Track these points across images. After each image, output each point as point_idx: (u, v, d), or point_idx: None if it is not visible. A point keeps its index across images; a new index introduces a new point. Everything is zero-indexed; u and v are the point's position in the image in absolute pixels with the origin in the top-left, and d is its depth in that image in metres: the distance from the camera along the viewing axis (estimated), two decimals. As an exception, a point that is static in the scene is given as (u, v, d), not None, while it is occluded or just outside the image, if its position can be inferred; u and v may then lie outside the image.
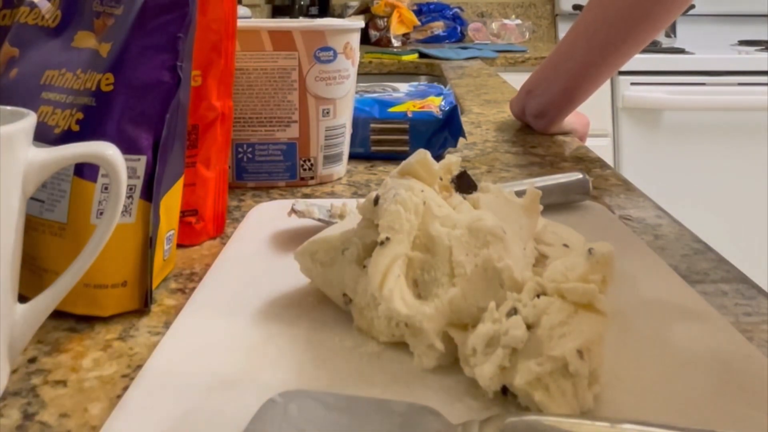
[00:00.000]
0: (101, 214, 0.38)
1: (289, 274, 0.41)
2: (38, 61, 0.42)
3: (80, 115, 0.38)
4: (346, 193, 0.64)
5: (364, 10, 2.46)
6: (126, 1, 0.40)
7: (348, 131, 0.68)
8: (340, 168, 0.68)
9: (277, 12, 2.63)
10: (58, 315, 0.38)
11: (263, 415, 0.27)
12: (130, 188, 0.38)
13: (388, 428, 0.27)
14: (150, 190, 0.39)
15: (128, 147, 0.38)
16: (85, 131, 0.38)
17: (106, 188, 0.38)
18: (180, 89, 0.40)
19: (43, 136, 0.38)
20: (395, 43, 2.39)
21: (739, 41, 2.51)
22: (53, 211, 0.38)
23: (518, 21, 2.72)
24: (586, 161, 0.76)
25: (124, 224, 0.38)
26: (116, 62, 0.39)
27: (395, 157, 0.75)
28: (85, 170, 0.38)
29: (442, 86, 0.96)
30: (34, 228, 0.38)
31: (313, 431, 0.27)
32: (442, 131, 0.74)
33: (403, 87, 0.93)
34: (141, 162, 0.39)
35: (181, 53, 0.40)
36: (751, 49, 2.32)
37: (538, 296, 0.30)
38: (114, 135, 0.38)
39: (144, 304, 0.40)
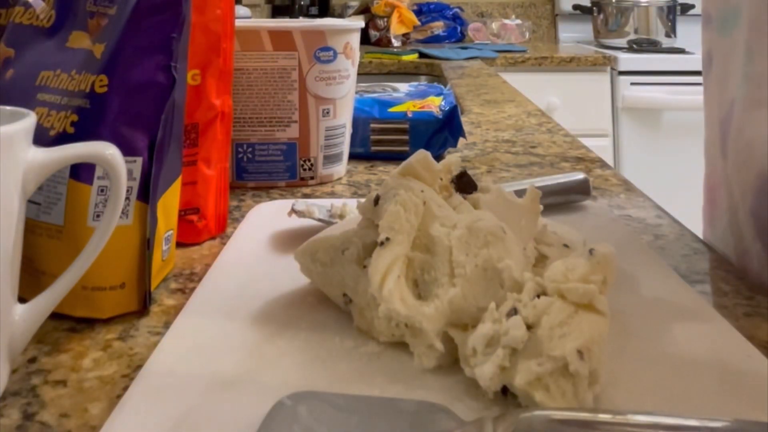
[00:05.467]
0: (98, 216, 0.38)
1: (289, 274, 0.41)
2: (33, 61, 0.42)
3: (75, 117, 0.38)
4: (346, 193, 0.64)
5: (364, 10, 2.46)
6: (119, 1, 0.40)
7: (348, 131, 0.68)
8: (340, 168, 0.68)
9: (277, 12, 2.63)
10: (58, 315, 0.38)
11: (273, 417, 0.27)
12: (127, 190, 0.38)
13: (399, 428, 0.27)
14: (146, 192, 0.39)
15: (124, 149, 0.38)
16: (80, 133, 0.38)
17: (102, 191, 0.38)
18: (175, 90, 0.40)
19: (39, 138, 0.38)
20: (395, 43, 2.39)
21: (739, 41, 2.50)
22: (50, 214, 0.38)
23: (518, 21, 2.72)
24: (586, 161, 0.76)
25: (122, 226, 0.38)
26: (110, 63, 0.39)
27: (395, 157, 0.75)
28: (81, 173, 0.38)
29: (442, 86, 0.96)
30: (31, 231, 0.38)
31: None
32: (442, 131, 0.74)
33: (403, 87, 0.93)
34: (137, 163, 0.39)
35: (175, 53, 0.40)
36: (751, 49, 2.32)
37: (538, 296, 0.30)
38: (109, 137, 0.37)
39: (143, 306, 0.40)
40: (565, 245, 0.38)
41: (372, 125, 0.75)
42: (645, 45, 2.42)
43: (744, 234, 0.49)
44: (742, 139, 0.48)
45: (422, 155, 0.37)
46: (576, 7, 2.69)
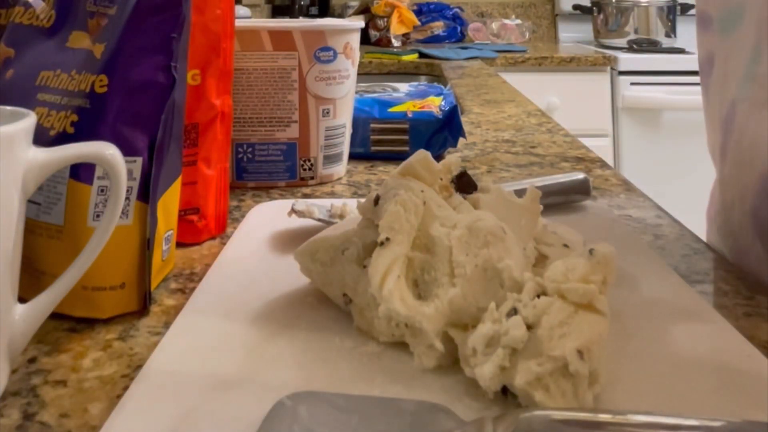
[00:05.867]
0: (98, 216, 0.38)
1: (289, 274, 0.41)
2: (33, 61, 0.42)
3: (75, 117, 0.38)
4: (346, 193, 0.64)
5: (364, 10, 2.46)
6: (119, 1, 0.40)
7: (348, 131, 0.68)
8: (340, 168, 0.68)
9: (277, 12, 2.63)
10: (58, 315, 0.38)
11: (273, 418, 0.27)
12: (127, 190, 0.38)
13: (399, 428, 0.27)
14: (146, 192, 0.39)
15: (124, 149, 0.38)
16: (80, 133, 0.38)
17: (102, 191, 0.38)
18: (175, 90, 0.40)
19: (39, 138, 0.38)
20: (395, 43, 2.39)
21: (738, 41, 2.50)
22: (50, 214, 0.38)
23: (518, 21, 2.72)
24: (586, 161, 0.76)
25: (121, 226, 0.38)
26: (110, 63, 0.39)
27: (395, 157, 0.75)
28: (80, 173, 0.38)
29: (442, 86, 0.96)
30: (31, 231, 0.38)
31: None
32: (442, 131, 0.74)
33: (403, 87, 0.93)
34: (137, 163, 0.39)
35: (175, 53, 0.40)
36: (751, 49, 2.32)
37: (538, 296, 0.30)
38: (109, 137, 0.37)
39: (143, 306, 0.40)
40: (565, 245, 0.38)
41: (372, 125, 0.75)
42: (645, 45, 2.42)
43: (740, 234, 0.49)
44: (745, 139, 0.48)
45: (422, 155, 0.37)
46: (576, 7, 2.69)
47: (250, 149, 0.64)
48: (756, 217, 0.47)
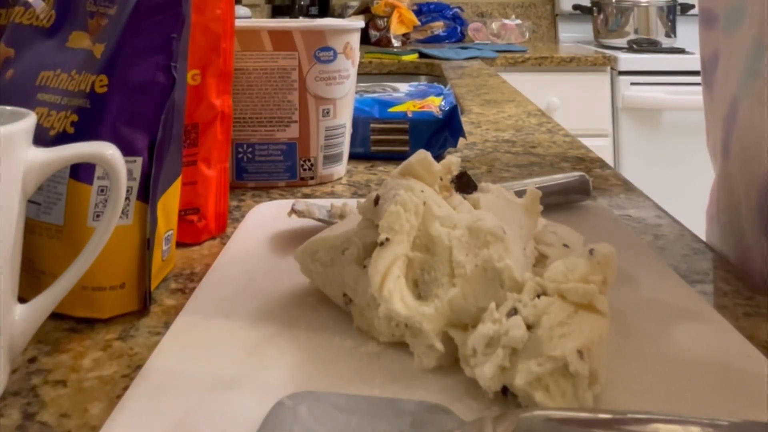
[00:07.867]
0: (98, 216, 0.38)
1: (289, 274, 0.41)
2: (33, 61, 0.42)
3: (75, 117, 0.38)
4: (346, 193, 0.64)
5: (364, 10, 2.46)
6: (119, 1, 0.40)
7: (348, 131, 0.68)
8: (340, 168, 0.68)
9: (277, 12, 2.63)
10: (58, 315, 0.38)
11: (273, 418, 0.27)
12: (127, 190, 0.38)
13: (399, 428, 0.27)
14: (146, 192, 0.39)
15: (124, 149, 0.38)
16: (80, 133, 0.38)
17: (102, 191, 0.38)
18: (175, 90, 0.40)
19: (39, 138, 0.38)
20: (395, 43, 2.39)
21: (739, 41, 2.50)
22: (50, 214, 0.38)
23: (518, 21, 2.72)
24: (586, 161, 0.76)
25: (121, 226, 0.38)
26: (110, 63, 0.39)
27: (395, 157, 0.75)
28: (80, 173, 0.38)
29: (442, 86, 0.96)
30: (31, 231, 0.38)
31: None
32: (442, 131, 0.74)
33: (403, 87, 0.93)
34: (137, 163, 0.39)
35: (175, 53, 0.40)
36: (751, 49, 2.32)
37: (538, 296, 0.30)
38: (109, 137, 0.37)
39: (143, 306, 0.40)
40: (565, 245, 0.38)
41: (372, 125, 0.75)
42: (645, 45, 2.42)
43: (746, 232, 0.49)
44: (749, 136, 0.48)
45: (422, 155, 0.37)
46: (576, 7, 2.69)
47: (250, 149, 0.64)
48: (762, 213, 0.47)
